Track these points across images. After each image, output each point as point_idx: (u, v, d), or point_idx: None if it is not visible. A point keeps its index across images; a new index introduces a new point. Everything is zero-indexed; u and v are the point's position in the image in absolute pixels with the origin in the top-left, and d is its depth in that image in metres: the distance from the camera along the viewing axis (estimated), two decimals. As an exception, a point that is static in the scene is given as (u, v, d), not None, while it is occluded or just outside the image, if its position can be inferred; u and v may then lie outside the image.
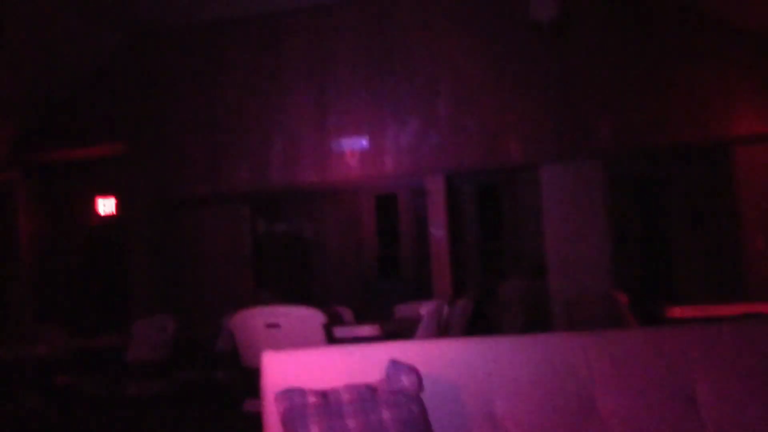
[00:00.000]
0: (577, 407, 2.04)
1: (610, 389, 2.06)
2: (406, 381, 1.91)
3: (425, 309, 4.03)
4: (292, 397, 1.86)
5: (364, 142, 7.59)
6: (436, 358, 2.05)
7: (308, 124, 7.67)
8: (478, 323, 6.77)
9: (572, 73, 7.05)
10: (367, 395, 1.87)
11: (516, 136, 7.18)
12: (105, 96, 8.22)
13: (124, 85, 8.18)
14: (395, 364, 1.96)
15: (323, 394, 1.86)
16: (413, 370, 1.93)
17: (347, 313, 5.15)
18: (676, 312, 4.60)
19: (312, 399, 1.85)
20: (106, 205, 8.28)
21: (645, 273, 7.75)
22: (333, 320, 3.71)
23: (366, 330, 3.80)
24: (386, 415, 1.83)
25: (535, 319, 7.68)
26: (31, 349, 4.41)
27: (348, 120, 7.58)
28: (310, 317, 3.41)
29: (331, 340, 3.55)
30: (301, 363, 1.99)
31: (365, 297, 9.82)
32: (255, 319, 3.47)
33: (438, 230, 7.80)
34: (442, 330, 4.37)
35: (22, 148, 8.12)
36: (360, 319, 5.10)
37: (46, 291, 7.65)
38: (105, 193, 8.48)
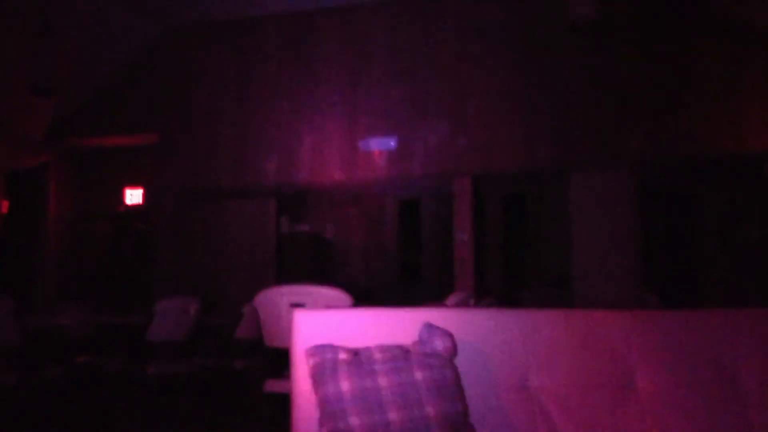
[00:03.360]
0: (615, 384, 1.97)
1: (649, 368, 1.99)
2: (440, 344, 1.85)
3: (452, 300, 3.97)
4: (323, 352, 1.81)
5: (392, 142, 7.55)
6: (470, 326, 2.00)
7: (338, 122, 7.66)
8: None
9: (607, 78, 6.97)
10: (399, 355, 1.82)
11: (546, 141, 7.09)
12: (140, 87, 8.31)
13: (160, 78, 8.26)
14: (429, 328, 1.91)
15: (355, 352, 1.82)
16: (448, 334, 1.88)
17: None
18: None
19: (343, 355, 1.80)
20: (133, 195, 8.35)
21: (672, 285, 7.61)
22: (359, 304, 3.66)
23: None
24: (419, 376, 1.77)
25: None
26: (55, 319, 4.42)
27: (377, 119, 7.56)
28: (337, 298, 3.37)
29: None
30: (332, 322, 1.95)
31: (386, 298, 9.75)
32: (280, 297, 3.42)
33: (463, 234, 7.73)
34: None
35: (58, 133, 8.24)
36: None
37: (71, 273, 7.71)
38: (133, 180, 8.56)
